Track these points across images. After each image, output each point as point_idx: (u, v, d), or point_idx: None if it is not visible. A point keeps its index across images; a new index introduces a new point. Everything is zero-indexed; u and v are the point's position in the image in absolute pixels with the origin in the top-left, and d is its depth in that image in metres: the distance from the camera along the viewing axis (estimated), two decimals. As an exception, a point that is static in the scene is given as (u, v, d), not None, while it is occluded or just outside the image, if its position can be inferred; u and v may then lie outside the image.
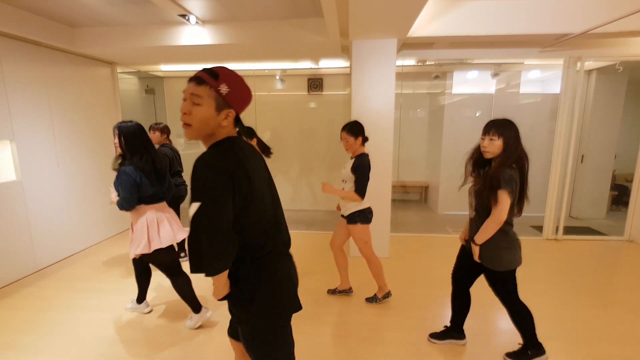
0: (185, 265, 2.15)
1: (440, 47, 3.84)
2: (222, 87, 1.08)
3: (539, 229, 4.35)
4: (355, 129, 2.50)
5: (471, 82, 5.38)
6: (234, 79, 1.11)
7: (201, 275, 1.12)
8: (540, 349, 1.99)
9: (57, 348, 2.24)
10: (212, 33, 3.48)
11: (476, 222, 1.91)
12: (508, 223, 1.85)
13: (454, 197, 5.37)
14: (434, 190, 5.90)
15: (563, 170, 4.10)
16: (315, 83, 5.48)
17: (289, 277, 1.26)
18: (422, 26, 3.26)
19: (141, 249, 2.22)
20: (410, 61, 4.41)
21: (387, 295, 2.77)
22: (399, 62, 4.16)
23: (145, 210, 2.27)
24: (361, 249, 2.63)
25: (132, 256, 2.31)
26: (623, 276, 3.29)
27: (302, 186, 5.86)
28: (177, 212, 3.22)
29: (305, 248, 3.81)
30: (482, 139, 1.88)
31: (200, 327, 2.44)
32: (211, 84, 1.08)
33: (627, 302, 2.76)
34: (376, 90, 3.43)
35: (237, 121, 1.19)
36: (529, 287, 2.97)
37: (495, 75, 5.07)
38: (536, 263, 3.52)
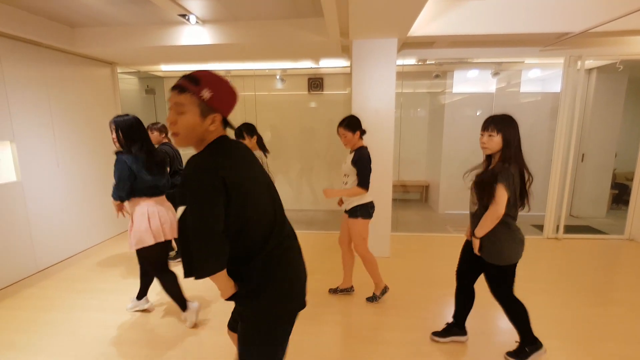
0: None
1: (440, 47, 3.83)
2: (203, 92, 1.06)
3: (540, 227, 4.35)
4: (352, 124, 2.50)
5: (472, 81, 5.38)
6: (216, 82, 1.09)
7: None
8: (536, 344, 2.01)
9: (58, 348, 2.24)
10: (212, 33, 3.47)
11: (477, 217, 1.92)
12: (511, 217, 1.86)
13: (455, 196, 5.39)
14: (434, 189, 5.90)
15: (563, 169, 4.10)
16: (315, 83, 5.47)
17: (296, 272, 1.26)
18: (423, 26, 3.26)
19: (141, 240, 2.21)
20: (410, 60, 4.40)
21: (385, 290, 2.77)
22: (400, 62, 4.16)
23: (145, 202, 2.27)
24: (357, 244, 2.63)
25: (132, 249, 2.29)
26: (623, 275, 3.29)
27: (302, 186, 5.86)
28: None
29: (306, 248, 3.83)
30: (481, 134, 1.88)
31: (200, 326, 2.44)
32: (192, 90, 1.06)
33: (628, 301, 2.76)
34: (376, 90, 3.43)
35: (226, 123, 1.18)
36: (530, 285, 2.98)
37: (495, 74, 5.07)
38: (537, 262, 3.52)
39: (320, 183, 5.77)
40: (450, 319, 2.29)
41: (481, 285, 2.06)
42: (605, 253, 3.83)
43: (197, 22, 3.35)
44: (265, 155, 3.21)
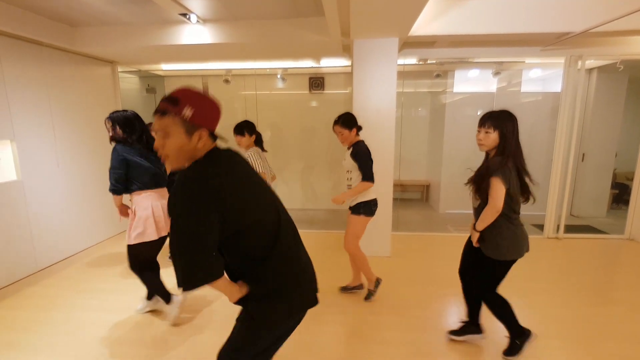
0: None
1: (441, 46, 3.83)
2: (184, 111, 1.05)
3: (540, 227, 4.35)
4: (348, 121, 2.51)
5: (472, 81, 5.38)
6: (195, 98, 1.08)
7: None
8: (525, 333, 2.03)
9: (58, 348, 2.24)
10: (213, 32, 3.47)
11: (480, 211, 1.92)
12: (514, 211, 1.86)
13: (455, 195, 5.39)
14: (435, 189, 5.90)
15: (564, 169, 4.10)
16: (316, 82, 5.47)
17: (305, 272, 1.27)
18: (424, 25, 3.26)
19: (143, 234, 2.21)
20: (411, 60, 4.40)
21: (378, 282, 2.78)
22: (400, 61, 4.16)
23: (148, 195, 2.26)
24: (348, 241, 2.64)
25: (130, 242, 2.26)
26: (623, 275, 3.29)
27: (303, 185, 5.85)
28: None
29: (306, 247, 3.87)
30: (478, 131, 1.87)
31: (201, 327, 2.44)
32: (173, 111, 1.05)
33: (628, 300, 2.77)
34: (377, 89, 3.43)
35: (214, 137, 1.17)
36: (530, 285, 2.99)
37: (496, 74, 5.06)
38: (537, 261, 3.52)
39: (321, 182, 5.77)
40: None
41: (482, 285, 2.06)
42: (606, 253, 3.83)
43: (198, 21, 3.35)
44: (263, 150, 3.23)
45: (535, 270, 3.30)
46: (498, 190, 1.76)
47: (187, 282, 1.07)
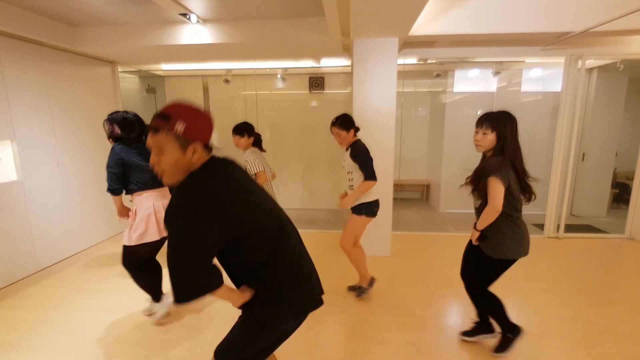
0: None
1: (441, 46, 3.83)
2: (177, 126, 1.05)
3: (540, 226, 4.35)
4: (346, 123, 2.51)
5: (472, 81, 5.37)
6: (186, 112, 1.08)
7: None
8: (516, 328, 2.05)
9: (58, 348, 2.24)
10: (213, 32, 3.47)
11: (481, 211, 1.92)
12: (515, 210, 1.85)
13: (455, 195, 5.37)
14: (435, 188, 5.90)
15: (564, 168, 4.10)
16: (316, 82, 5.47)
17: (309, 276, 1.28)
18: (424, 25, 3.25)
19: (144, 235, 2.21)
20: (411, 60, 4.40)
21: (372, 282, 2.78)
22: (401, 61, 4.15)
23: (150, 195, 2.26)
24: (345, 239, 2.64)
25: (130, 243, 2.24)
26: (624, 274, 3.29)
27: (303, 185, 5.85)
28: None
29: (306, 247, 3.86)
30: (476, 132, 1.87)
31: (201, 327, 2.44)
32: (166, 127, 1.05)
33: (628, 300, 2.77)
34: (377, 89, 3.43)
35: (209, 149, 1.17)
36: (530, 284, 2.98)
37: (496, 73, 5.06)
38: (537, 261, 3.52)
39: (321, 182, 5.77)
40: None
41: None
42: (606, 252, 3.83)
43: (198, 21, 3.35)
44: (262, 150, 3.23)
45: (535, 270, 3.30)
46: (497, 189, 1.76)
47: (186, 295, 1.06)
